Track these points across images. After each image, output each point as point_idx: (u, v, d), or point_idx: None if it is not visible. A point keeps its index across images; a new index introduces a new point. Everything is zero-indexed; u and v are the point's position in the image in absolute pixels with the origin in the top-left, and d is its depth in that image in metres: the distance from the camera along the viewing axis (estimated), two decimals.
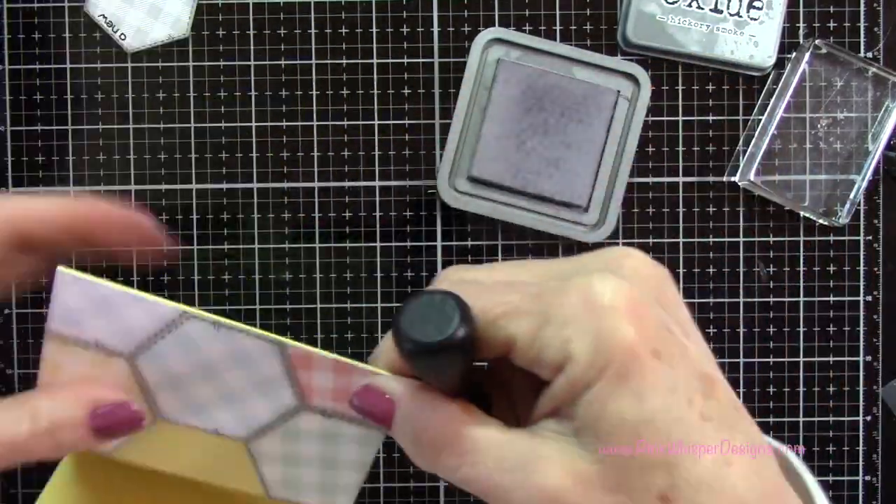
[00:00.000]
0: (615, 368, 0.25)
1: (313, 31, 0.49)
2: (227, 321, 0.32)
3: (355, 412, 0.31)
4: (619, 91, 0.46)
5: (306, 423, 0.35)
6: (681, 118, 0.49)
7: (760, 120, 0.49)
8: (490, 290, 0.27)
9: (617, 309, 0.25)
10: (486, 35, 0.46)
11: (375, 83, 0.49)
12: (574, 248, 0.48)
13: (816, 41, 0.48)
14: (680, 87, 0.49)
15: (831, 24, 0.49)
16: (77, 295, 0.32)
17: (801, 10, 0.49)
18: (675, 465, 0.25)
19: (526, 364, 0.27)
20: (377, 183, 0.49)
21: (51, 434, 0.32)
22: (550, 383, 0.26)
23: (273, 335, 0.32)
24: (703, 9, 0.48)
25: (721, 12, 0.48)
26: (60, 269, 0.31)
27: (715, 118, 0.50)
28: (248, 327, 0.32)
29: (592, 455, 0.26)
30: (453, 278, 0.29)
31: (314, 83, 0.49)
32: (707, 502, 0.25)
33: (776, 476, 0.26)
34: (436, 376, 0.29)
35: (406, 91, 0.49)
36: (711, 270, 0.50)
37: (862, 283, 0.50)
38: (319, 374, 0.33)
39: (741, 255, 0.50)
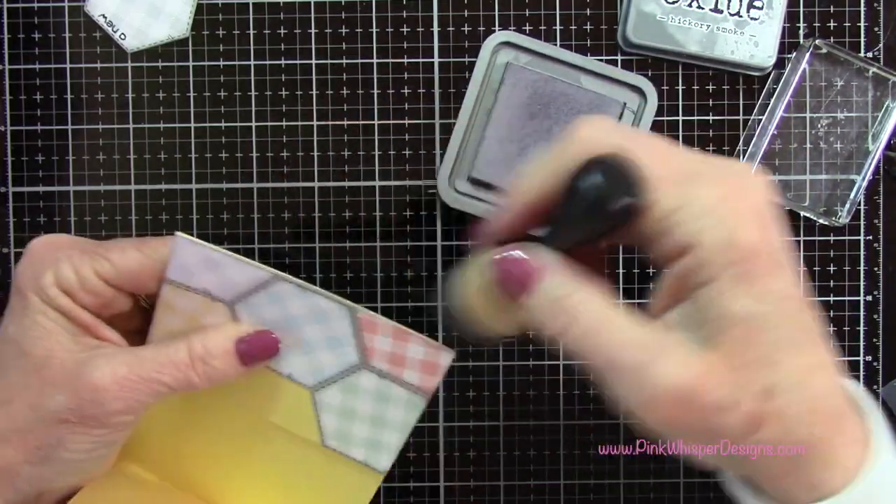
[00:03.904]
0: (740, 267, 0.27)
1: (313, 31, 0.49)
2: (312, 286, 0.40)
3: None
4: (625, 103, 0.46)
5: (364, 381, 0.41)
6: (681, 118, 0.49)
7: (760, 120, 0.49)
8: (649, 153, 0.29)
9: (754, 216, 0.28)
10: (496, 38, 0.46)
11: (375, 83, 0.49)
12: None
13: (816, 41, 0.48)
14: (680, 87, 0.49)
15: (831, 24, 0.49)
16: (190, 255, 0.39)
17: (802, 9, 0.49)
18: (778, 365, 0.28)
19: (650, 231, 0.29)
20: (377, 183, 0.49)
21: (204, 360, 0.37)
22: (671, 266, 0.29)
23: (347, 301, 0.40)
24: (703, 9, 0.48)
25: (721, 12, 0.48)
26: (178, 233, 0.39)
27: (715, 118, 0.49)
28: (327, 292, 0.39)
29: (708, 348, 0.28)
30: (607, 127, 0.31)
31: (314, 83, 0.49)
32: (796, 401, 0.28)
33: (844, 396, 0.29)
34: (578, 237, 0.31)
35: (406, 91, 0.49)
36: None
37: (862, 283, 0.50)
38: (381, 338, 0.41)
39: None
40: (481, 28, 0.49)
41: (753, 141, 0.49)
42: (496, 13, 0.49)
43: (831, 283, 0.50)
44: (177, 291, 0.40)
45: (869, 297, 0.50)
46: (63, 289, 0.37)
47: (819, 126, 0.49)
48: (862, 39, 0.49)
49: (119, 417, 0.36)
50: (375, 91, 0.49)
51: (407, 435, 0.42)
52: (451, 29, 0.49)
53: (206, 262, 0.39)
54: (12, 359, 0.37)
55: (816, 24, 0.49)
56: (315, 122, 0.49)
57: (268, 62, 0.49)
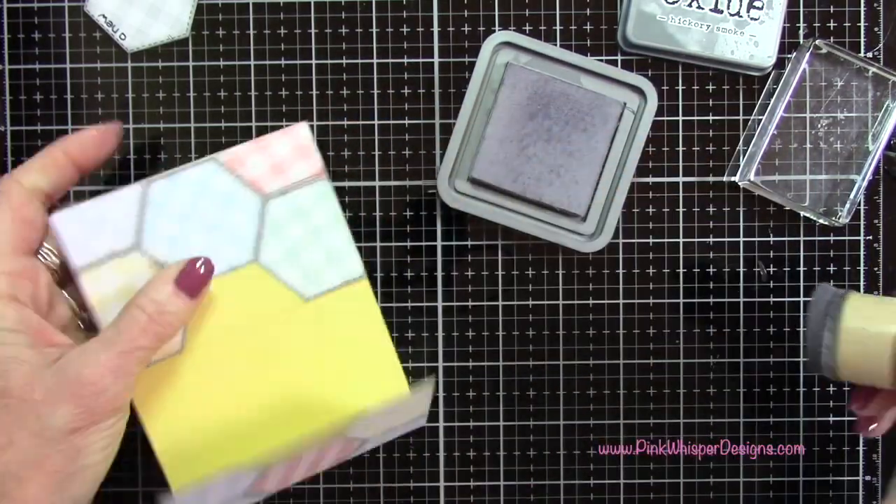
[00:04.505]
0: None
1: (313, 31, 0.49)
2: (174, 168, 0.42)
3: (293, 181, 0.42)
4: (625, 103, 0.46)
5: (277, 212, 0.43)
6: (681, 118, 0.49)
7: (760, 120, 0.49)
8: None
9: None
10: (496, 38, 0.46)
11: (375, 83, 0.49)
12: (573, 255, 0.48)
13: (816, 41, 0.48)
14: (680, 87, 0.49)
15: (831, 24, 0.49)
16: (71, 226, 0.40)
17: (802, 9, 0.49)
18: None
19: None
20: (377, 183, 0.49)
21: (161, 312, 0.38)
22: None
23: (205, 157, 0.42)
24: (703, 9, 0.47)
25: (721, 12, 0.48)
26: (53, 216, 0.40)
27: (715, 118, 0.50)
28: (187, 164, 0.41)
29: None
30: None
31: (314, 83, 0.49)
32: None
33: None
34: None
35: (406, 91, 0.49)
36: (711, 270, 0.50)
37: (862, 283, 0.50)
38: (252, 162, 0.42)
39: (741, 255, 0.50)
40: (481, 28, 0.49)
41: (753, 141, 0.49)
42: (496, 13, 0.49)
43: (831, 283, 0.50)
44: (91, 274, 0.41)
45: None
46: (7, 295, 0.37)
47: (819, 126, 0.49)
48: (862, 39, 0.49)
49: (121, 399, 0.37)
50: (375, 91, 0.49)
51: (346, 225, 0.43)
52: (451, 29, 0.49)
53: (89, 224, 0.41)
54: None
55: (816, 24, 0.49)
56: (315, 122, 0.49)
57: (268, 62, 0.49)
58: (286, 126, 0.43)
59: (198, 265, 0.40)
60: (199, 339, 0.43)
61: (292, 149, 0.43)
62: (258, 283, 0.43)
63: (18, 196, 0.39)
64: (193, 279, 0.40)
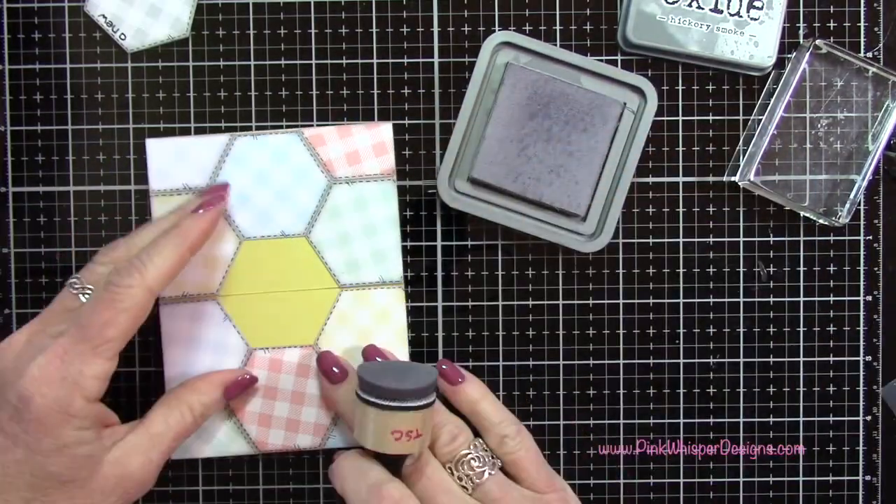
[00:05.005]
0: None
1: (313, 31, 0.49)
2: (263, 132, 0.47)
3: (368, 178, 0.47)
4: (625, 103, 0.46)
5: (339, 197, 0.47)
6: (681, 118, 0.49)
7: (760, 120, 0.49)
8: None
9: None
10: (496, 38, 0.46)
11: (375, 83, 0.49)
12: (573, 255, 0.48)
13: (816, 41, 0.48)
14: (680, 87, 0.49)
15: (831, 24, 0.49)
16: (162, 154, 0.47)
17: (801, 9, 0.49)
18: None
19: None
20: None
21: (204, 416, 0.44)
22: None
23: (293, 128, 0.48)
24: (703, 9, 0.47)
25: (721, 12, 0.48)
26: (148, 140, 0.47)
27: (715, 118, 0.49)
28: (276, 131, 0.47)
29: None
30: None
31: (314, 83, 0.49)
32: None
33: None
34: None
35: (406, 91, 0.49)
36: (711, 270, 0.50)
37: (862, 283, 0.50)
38: (332, 145, 0.47)
39: (741, 255, 0.50)
40: (481, 28, 0.49)
41: (753, 141, 0.49)
42: (496, 13, 0.49)
43: (831, 283, 0.50)
44: (162, 201, 0.47)
45: (869, 297, 0.50)
46: (96, 398, 0.40)
47: (819, 126, 0.49)
48: (862, 39, 0.49)
49: (153, 482, 0.43)
50: (375, 91, 0.49)
51: (398, 229, 0.47)
52: (451, 29, 0.49)
53: (175, 153, 0.47)
54: (55, 490, 0.39)
55: (816, 24, 0.49)
56: (315, 123, 0.49)
57: (268, 62, 0.49)
58: (372, 121, 0.48)
59: (246, 378, 0.46)
60: (236, 288, 0.47)
61: (371, 144, 0.47)
62: (302, 256, 0.47)
63: (145, 302, 0.40)
64: (239, 389, 0.46)
